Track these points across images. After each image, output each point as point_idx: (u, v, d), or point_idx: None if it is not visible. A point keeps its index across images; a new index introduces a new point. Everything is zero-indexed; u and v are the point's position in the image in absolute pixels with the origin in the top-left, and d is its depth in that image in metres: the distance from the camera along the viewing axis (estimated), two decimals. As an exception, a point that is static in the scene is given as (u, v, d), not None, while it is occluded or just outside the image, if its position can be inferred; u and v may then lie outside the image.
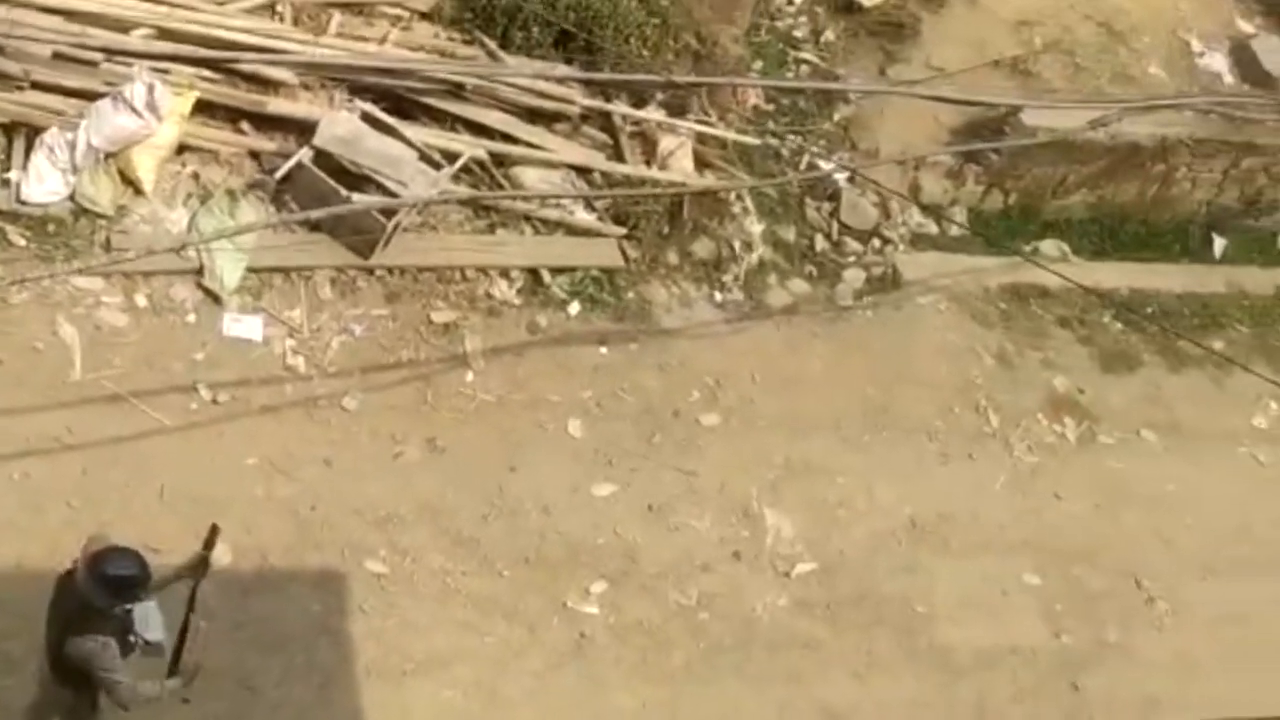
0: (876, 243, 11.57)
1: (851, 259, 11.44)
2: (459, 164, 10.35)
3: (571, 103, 10.91)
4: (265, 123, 10.25)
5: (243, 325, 9.64)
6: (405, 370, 9.80)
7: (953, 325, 11.32)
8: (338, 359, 9.70)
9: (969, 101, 11.48)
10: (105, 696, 7.02)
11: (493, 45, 10.89)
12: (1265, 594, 10.55)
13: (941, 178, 11.91)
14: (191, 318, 9.58)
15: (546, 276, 10.48)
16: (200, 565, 7.29)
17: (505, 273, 10.41)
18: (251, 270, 9.76)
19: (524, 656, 8.93)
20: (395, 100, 10.54)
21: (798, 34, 12.28)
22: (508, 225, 10.60)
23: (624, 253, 10.74)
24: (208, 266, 9.67)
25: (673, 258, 10.93)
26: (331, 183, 9.83)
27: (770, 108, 11.86)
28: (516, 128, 10.78)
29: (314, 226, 9.94)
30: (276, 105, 10.23)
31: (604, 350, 10.33)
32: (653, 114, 11.20)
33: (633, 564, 9.44)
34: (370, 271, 10.06)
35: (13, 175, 9.62)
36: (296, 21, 10.65)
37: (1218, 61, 12.93)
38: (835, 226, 11.53)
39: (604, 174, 10.91)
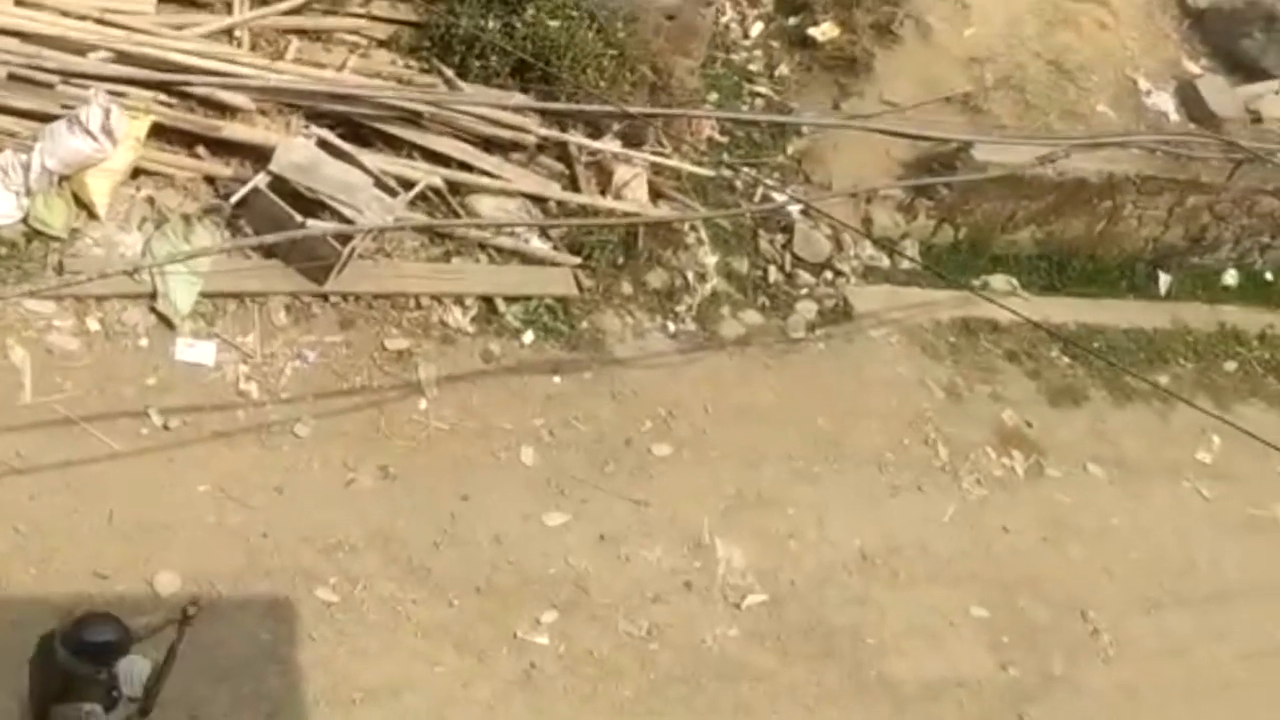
0: (829, 275, 11.66)
1: (804, 291, 11.53)
2: (415, 191, 10.36)
3: (528, 132, 10.95)
4: (221, 148, 10.23)
5: (195, 350, 9.60)
6: (358, 397, 9.79)
7: (903, 358, 11.42)
8: (290, 385, 9.67)
9: (921, 136, 11.60)
10: None
11: (450, 74, 10.92)
12: (1208, 627, 10.70)
13: (893, 211, 12.03)
14: (144, 342, 9.53)
15: (501, 305, 10.51)
16: (183, 622, 7.26)
17: (460, 301, 10.43)
18: (205, 295, 9.73)
19: (473, 686, 8.92)
20: (352, 127, 10.54)
21: (753, 67, 12.38)
22: (463, 253, 10.62)
23: (578, 282, 10.78)
24: (161, 291, 9.63)
25: (627, 287, 10.98)
26: (287, 208, 9.82)
27: (725, 140, 11.94)
28: (473, 156, 10.80)
29: (269, 252, 9.93)
30: (233, 130, 10.22)
31: (557, 379, 10.36)
32: (608, 144, 11.26)
33: (583, 594, 9.45)
34: (325, 298, 10.05)
35: (-35, 197, 9.56)
36: (254, 47, 10.64)
37: (1164, 101, 13.11)
38: (788, 258, 11.61)
39: (559, 203, 10.96)
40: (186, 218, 9.92)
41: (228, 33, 10.61)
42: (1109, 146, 12.19)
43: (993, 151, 11.73)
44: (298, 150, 10.08)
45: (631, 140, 11.36)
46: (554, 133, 11.10)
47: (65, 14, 10.06)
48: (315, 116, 10.46)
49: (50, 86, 9.81)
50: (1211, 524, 11.31)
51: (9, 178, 9.57)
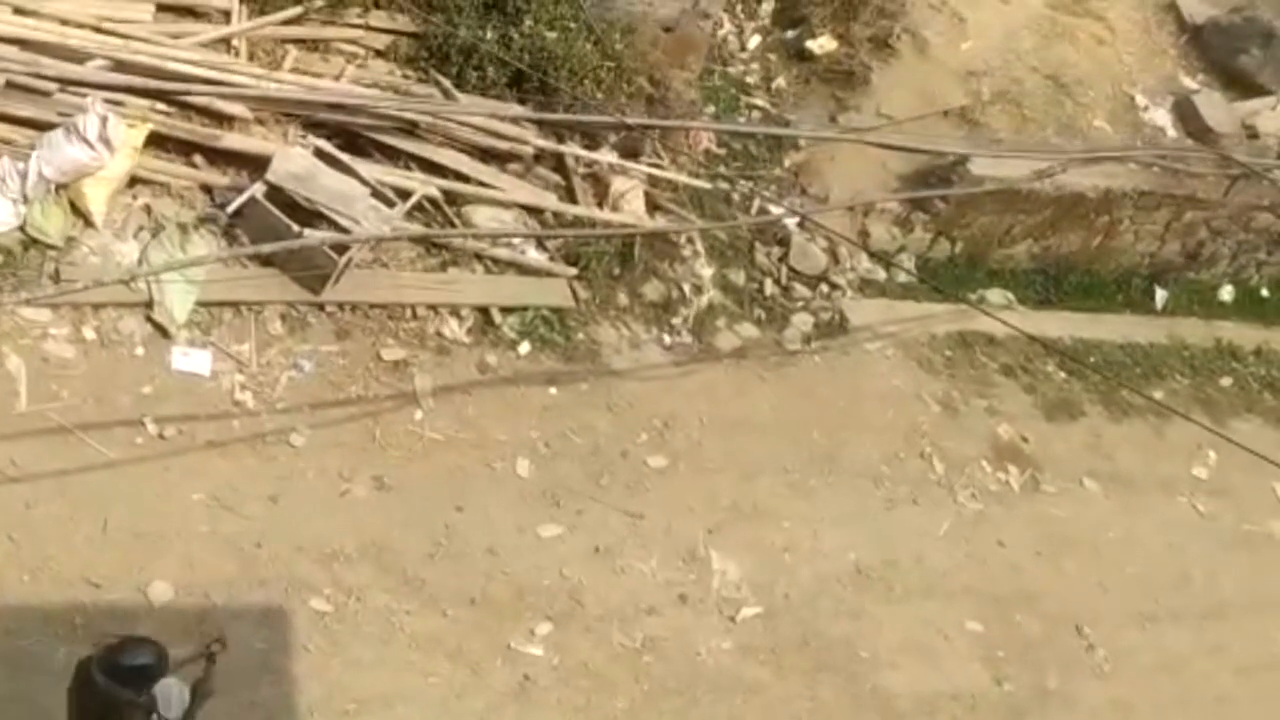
0: (825, 288, 11.67)
1: (800, 304, 11.53)
2: (412, 202, 10.37)
3: (525, 143, 10.96)
4: (218, 157, 10.24)
5: (191, 359, 9.59)
6: (354, 407, 9.78)
7: (899, 371, 11.42)
8: (286, 395, 9.66)
9: (918, 149, 11.63)
10: None
11: (447, 84, 10.92)
12: (1203, 642, 10.71)
13: (890, 225, 12.04)
14: (140, 351, 9.51)
15: (497, 316, 10.50)
16: (209, 659, 7.29)
17: (456, 311, 10.42)
18: (201, 304, 9.72)
19: (467, 697, 8.90)
20: (349, 137, 10.55)
21: (750, 80, 12.40)
22: (459, 264, 10.62)
23: (574, 293, 10.78)
24: (157, 300, 9.62)
25: (623, 299, 10.98)
26: (284, 218, 9.82)
27: (722, 152, 11.95)
28: (470, 167, 10.81)
29: (265, 261, 9.92)
30: (230, 140, 10.22)
31: (553, 391, 10.35)
32: (605, 156, 11.27)
33: (578, 606, 9.44)
34: (321, 308, 10.05)
35: (-38, 204, 9.56)
36: (252, 57, 10.65)
37: (1161, 116, 13.13)
38: (784, 271, 11.62)
39: (556, 214, 10.96)
40: (183, 226, 9.91)
41: (225, 42, 10.62)
42: (1106, 161, 12.24)
43: (990, 165, 11.78)
44: (295, 160, 10.08)
45: (628, 152, 11.38)
46: (551, 144, 11.11)
47: (64, 22, 10.06)
48: (312, 126, 10.48)
49: (48, 94, 9.81)
50: (1206, 539, 11.32)
51: (6, 185, 9.57)
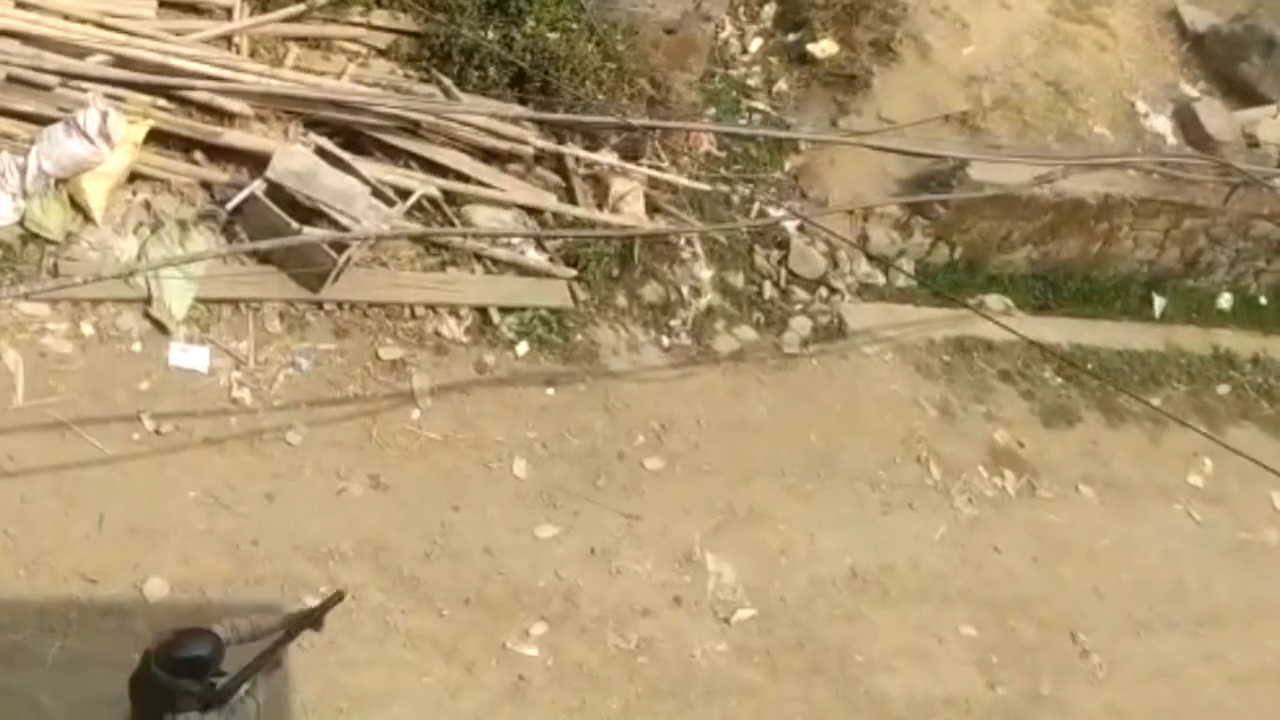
0: (824, 292, 11.67)
1: (799, 307, 11.53)
2: (411, 201, 10.36)
3: (526, 143, 10.96)
4: (219, 154, 10.22)
5: (189, 356, 9.58)
6: (351, 406, 9.77)
7: (897, 376, 11.42)
8: (283, 392, 9.66)
9: (918, 153, 11.63)
10: None
11: (449, 83, 10.92)
12: (1197, 650, 10.71)
13: (889, 229, 12.04)
14: (137, 347, 9.51)
15: (495, 316, 10.50)
16: (300, 624, 7.23)
17: (454, 311, 10.42)
18: (200, 301, 9.72)
19: (462, 697, 8.90)
20: (350, 135, 10.55)
21: (751, 83, 12.40)
22: (458, 263, 10.62)
23: (573, 294, 10.78)
24: (156, 296, 9.62)
25: (622, 301, 10.98)
26: (283, 215, 9.82)
27: (722, 154, 11.94)
28: (470, 167, 10.81)
29: (264, 259, 9.92)
30: (231, 136, 10.21)
31: (551, 391, 10.35)
32: (606, 157, 11.27)
33: (573, 606, 9.44)
34: (319, 306, 10.05)
35: (-39, 198, 9.55)
36: (254, 54, 10.64)
37: (1161, 123, 13.14)
38: (784, 274, 11.62)
39: (555, 215, 10.97)
40: (182, 223, 9.91)
41: (227, 39, 10.61)
42: (1106, 168, 12.23)
43: (990, 170, 11.77)
44: (295, 157, 10.08)
45: (629, 153, 11.37)
46: (551, 145, 11.11)
47: (66, 17, 10.06)
48: (313, 124, 10.47)
49: (49, 89, 9.80)
50: (1202, 547, 11.32)
51: (5, 180, 9.56)
